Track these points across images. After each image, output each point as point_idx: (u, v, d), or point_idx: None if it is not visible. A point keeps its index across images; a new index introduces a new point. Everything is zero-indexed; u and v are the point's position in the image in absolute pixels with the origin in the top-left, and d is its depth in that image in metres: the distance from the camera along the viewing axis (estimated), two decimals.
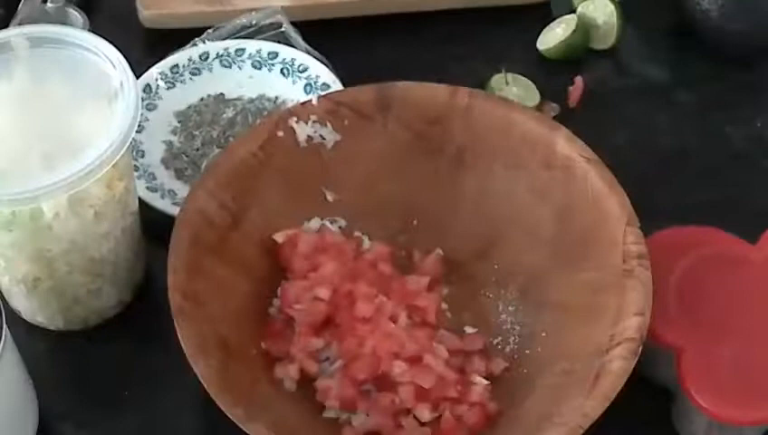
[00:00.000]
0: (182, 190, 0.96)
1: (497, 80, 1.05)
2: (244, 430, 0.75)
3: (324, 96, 0.92)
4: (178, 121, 1.03)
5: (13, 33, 0.85)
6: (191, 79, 1.05)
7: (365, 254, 0.90)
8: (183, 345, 0.78)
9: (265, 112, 1.02)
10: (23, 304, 0.90)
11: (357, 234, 0.92)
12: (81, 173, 0.78)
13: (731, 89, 1.08)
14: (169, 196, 0.96)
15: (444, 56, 1.09)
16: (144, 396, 0.87)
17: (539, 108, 1.03)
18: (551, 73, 1.08)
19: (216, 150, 0.98)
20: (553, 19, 1.10)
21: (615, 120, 1.05)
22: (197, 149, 1.00)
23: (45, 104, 0.82)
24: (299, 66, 1.04)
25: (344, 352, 0.84)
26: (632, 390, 0.77)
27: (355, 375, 0.83)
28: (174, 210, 0.89)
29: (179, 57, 1.05)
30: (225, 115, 1.02)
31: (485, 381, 0.84)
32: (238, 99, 1.04)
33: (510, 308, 0.90)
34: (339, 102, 0.91)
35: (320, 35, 1.07)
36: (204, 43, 1.07)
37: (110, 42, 0.85)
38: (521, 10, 1.12)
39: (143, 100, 1.00)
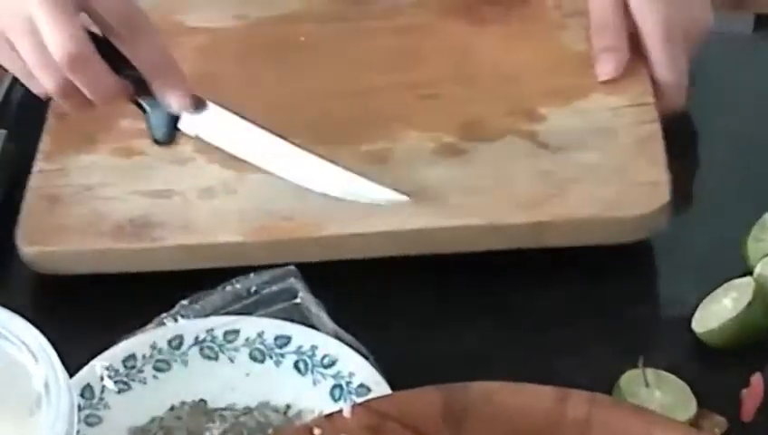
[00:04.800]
0: None
1: (631, 378, 0.92)
2: None
3: (362, 404, 0.81)
4: None
5: None
6: (155, 377, 0.91)
7: None
8: None
9: (270, 430, 0.88)
10: None
11: None
12: None
13: None
14: None
15: (545, 338, 0.95)
16: None
17: (696, 422, 0.90)
18: (714, 369, 0.94)
19: None
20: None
21: None
22: None
23: None
24: (323, 358, 0.91)
25: None
26: None
27: None
28: None
29: (137, 343, 0.92)
30: (208, 433, 0.88)
31: None
32: (228, 408, 0.90)
33: None
34: (384, 414, 0.81)
35: (352, 308, 0.93)
36: (175, 320, 0.93)
37: (34, 324, 0.75)
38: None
39: (81, 409, 0.87)
